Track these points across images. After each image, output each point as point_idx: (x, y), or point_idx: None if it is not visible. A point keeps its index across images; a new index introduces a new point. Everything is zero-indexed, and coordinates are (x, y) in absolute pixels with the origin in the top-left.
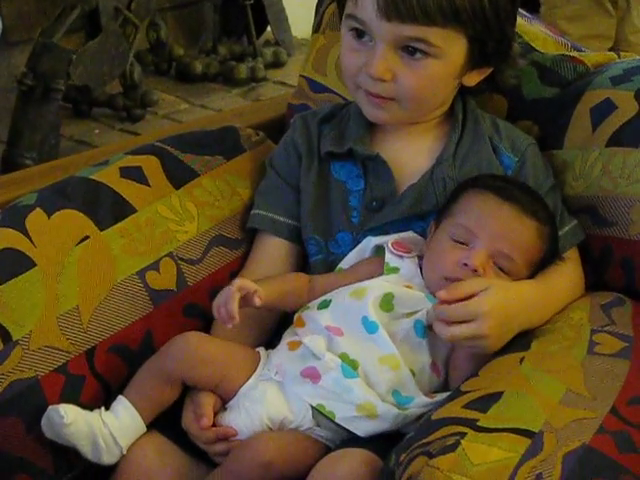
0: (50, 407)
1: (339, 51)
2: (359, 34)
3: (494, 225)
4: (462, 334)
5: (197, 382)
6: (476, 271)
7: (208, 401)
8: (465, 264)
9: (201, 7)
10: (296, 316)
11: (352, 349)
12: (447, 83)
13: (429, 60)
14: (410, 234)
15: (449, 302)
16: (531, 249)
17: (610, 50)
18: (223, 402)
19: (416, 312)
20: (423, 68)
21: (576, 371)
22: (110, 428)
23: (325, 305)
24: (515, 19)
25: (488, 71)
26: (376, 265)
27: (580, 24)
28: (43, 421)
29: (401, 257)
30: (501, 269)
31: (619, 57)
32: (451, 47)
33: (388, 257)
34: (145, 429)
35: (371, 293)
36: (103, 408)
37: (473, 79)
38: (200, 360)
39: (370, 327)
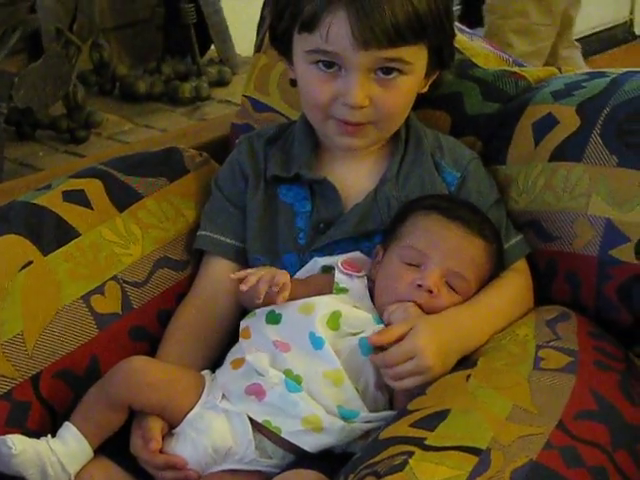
0: None
1: (281, 70)
2: (327, 65)
3: (444, 245)
4: (407, 372)
5: (143, 407)
6: (431, 292)
7: (156, 425)
8: (419, 285)
9: (144, 27)
10: (243, 325)
11: (297, 365)
12: (413, 96)
13: (402, 77)
14: (357, 254)
15: (382, 347)
16: (480, 267)
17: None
18: (170, 427)
19: (361, 332)
20: (398, 86)
21: (522, 387)
22: (58, 455)
23: (275, 320)
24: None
25: (435, 75)
26: (326, 282)
27: (526, 39)
28: None
29: (351, 276)
30: (453, 288)
31: (560, 72)
32: (419, 60)
33: (338, 277)
34: (92, 454)
35: (319, 309)
36: (50, 435)
37: (424, 86)
38: (146, 385)
39: (316, 343)
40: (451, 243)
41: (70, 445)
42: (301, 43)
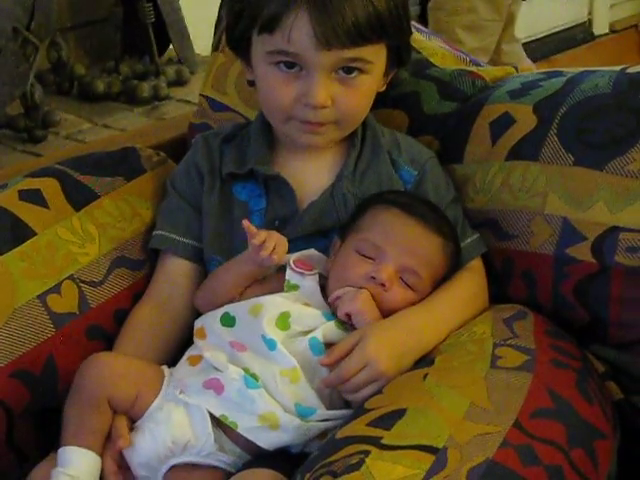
0: None
1: (239, 69)
2: (288, 66)
3: (401, 240)
4: (363, 382)
5: (118, 400)
6: (384, 285)
7: (122, 423)
8: (373, 277)
9: (102, 26)
10: (198, 325)
11: (254, 364)
12: (373, 95)
13: (363, 77)
14: (312, 252)
15: (333, 365)
16: (436, 265)
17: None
18: (132, 421)
19: (311, 330)
20: (359, 86)
21: (479, 385)
22: None
23: (229, 323)
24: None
25: (392, 73)
26: (278, 279)
27: (476, 35)
28: None
29: (302, 275)
30: (406, 284)
31: (517, 71)
32: (379, 60)
33: (289, 274)
34: (100, 459)
35: (267, 311)
36: (62, 468)
37: (383, 85)
38: (119, 376)
39: (269, 344)
40: (408, 239)
41: (91, 468)
42: (261, 44)
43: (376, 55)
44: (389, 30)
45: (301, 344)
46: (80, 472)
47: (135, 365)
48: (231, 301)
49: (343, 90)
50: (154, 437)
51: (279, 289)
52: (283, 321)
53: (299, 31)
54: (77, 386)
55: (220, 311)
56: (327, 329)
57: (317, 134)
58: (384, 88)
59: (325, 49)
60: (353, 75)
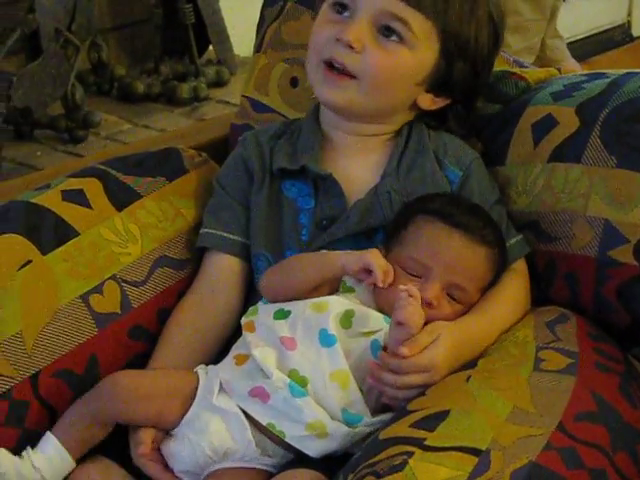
0: None
1: (281, 70)
2: (340, 8)
3: (446, 257)
4: (414, 384)
5: (133, 420)
6: (430, 304)
7: (147, 435)
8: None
9: (142, 27)
10: (245, 321)
11: (303, 365)
12: (408, 83)
13: (401, 47)
14: None
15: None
16: (482, 275)
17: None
18: (167, 431)
19: (373, 332)
20: (393, 51)
21: (522, 388)
22: (42, 472)
23: (283, 315)
24: (489, 70)
25: (444, 102)
26: (331, 282)
27: (521, 36)
28: None
29: (359, 280)
30: (453, 298)
31: (560, 73)
32: (425, 43)
33: (346, 276)
34: (75, 465)
35: (333, 308)
36: (30, 449)
37: (427, 102)
38: (132, 398)
39: (327, 340)
40: (454, 256)
41: (53, 460)
42: None
43: (422, 30)
44: (447, 23)
45: (362, 344)
46: (46, 467)
47: (160, 380)
48: (300, 298)
49: (376, 44)
50: (192, 446)
51: (331, 291)
52: (347, 319)
53: None
54: (90, 398)
55: (274, 306)
56: (379, 360)
57: (337, 87)
58: (427, 107)
59: None
60: (392, 39)
